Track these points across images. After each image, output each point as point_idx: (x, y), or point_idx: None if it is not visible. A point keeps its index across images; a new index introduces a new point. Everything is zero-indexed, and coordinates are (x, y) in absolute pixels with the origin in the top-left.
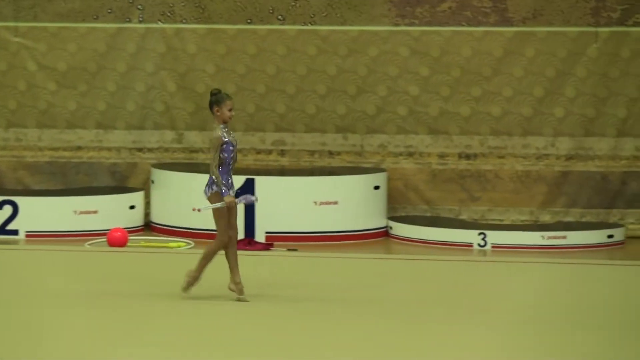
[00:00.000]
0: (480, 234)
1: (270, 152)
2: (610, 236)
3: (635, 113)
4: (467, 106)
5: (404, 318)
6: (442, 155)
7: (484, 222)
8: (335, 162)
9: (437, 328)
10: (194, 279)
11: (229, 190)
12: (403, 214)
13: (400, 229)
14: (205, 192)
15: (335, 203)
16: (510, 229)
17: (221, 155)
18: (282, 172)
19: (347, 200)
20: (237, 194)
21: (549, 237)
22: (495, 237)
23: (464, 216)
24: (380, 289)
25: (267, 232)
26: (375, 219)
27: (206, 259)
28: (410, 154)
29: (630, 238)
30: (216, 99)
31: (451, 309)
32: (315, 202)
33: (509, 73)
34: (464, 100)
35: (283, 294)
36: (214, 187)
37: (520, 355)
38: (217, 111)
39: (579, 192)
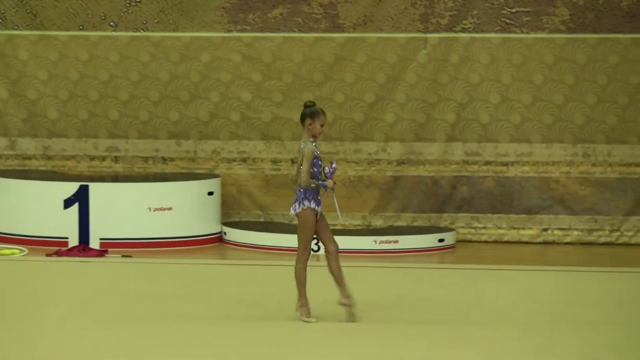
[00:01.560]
0: (313, 238)
1: (103, 158)
2: (441, 240)
3: (464, 118)
4: (299, 112)
5: (235, 321)
6: (275, 161)
7: None
8: (169, 168)
9: (265, 329)
10: (305, 306)
11: (317, 205)
12: (237, 220)
13: (234, 235)
14: (293, 209)
15: (170, 209)
16: (343, 233)
17: (311, 170)
18: (115, 178)
19: (181, 206)
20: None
21: (381, 242)
22: None
23: (297, 221)
24: (214, 294)
25: (101, 239)
26: (209, 225)
27: (300, 281)
28: (244, 160)
29: (460, 242)
30: (311, 111)
31: (278, 311)
32: (150, 208)
33: (340, 79)
34: (296, 106)
35: (117, 300)
36: (305, 203)
37: (337, 356)
38: (310, 124)
39: (410, 196)
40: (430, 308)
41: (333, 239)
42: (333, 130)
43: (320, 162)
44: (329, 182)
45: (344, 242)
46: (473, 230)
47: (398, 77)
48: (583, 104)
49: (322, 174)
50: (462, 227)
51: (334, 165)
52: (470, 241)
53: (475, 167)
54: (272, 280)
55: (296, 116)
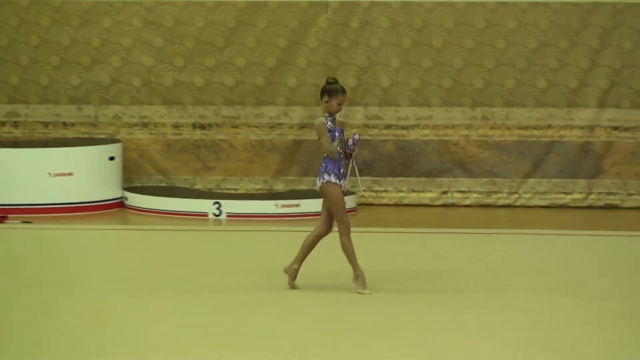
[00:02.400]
0: (215, 203)
1: (3, 124)
2: None
3: (365, 82)
4: (200, 76)
5: (139, 289)
6: (176, 126)
7: (219, 191)
8: (70, 134)
9: (167, 296)
10: (359, 277)
11: (339, 179)
12: (139, 185)
13: (136, 200)
14: (317, 183)
15: (70, 174)
16: (244, 198)
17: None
18: (15, 143)
19: (81, 172)
20: None
21: (283, 206)
22: (230, 206)
23: (199, 186)
24: (116, 260)
25: (0, 205)
26: (110, 190)
27: (349, 254)
28: (145, 125)
29: (361, 205)
30: (330, 89)
31: (185, 278)
32: (50, 174)
33: (242, 43)
34: (198, 70)
35: (16, 267)
36: (325, 177)
37: (244, 320)
38: (327, 102)
39: (311, 160)
40: (331, 272)
41: (332, 223)
42: (234, 95)
43: (337, 134)
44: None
45: (245, 206)
46: (374, 194)
47: (299, 42)
48: (482, 68)
49: (345, 146)
50: (364, 190)
51: (356, 137)
52: (371, 204)
53: (376, 130)
54: (173, 246)
55: (198, 80)
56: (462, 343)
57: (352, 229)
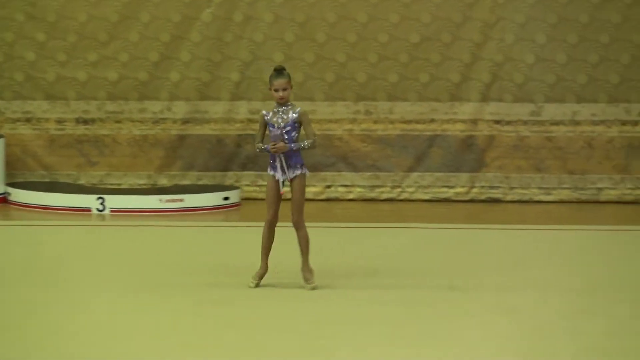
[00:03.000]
0: (98, 198)
1: None
2: (226, 198)
3: (248, 77)
4: (84, 71)
5: (22, 285)
6: (59, 121)
7: (103, 186)
8: None
9: (51, 292)
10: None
11: (274, 171)
12: (22, 180)
13: (19, 195)
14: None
15: None
16: (128, 193)
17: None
18: None
19: None
20: None
21: (167, 200)
22: (114, 201)
23: (82, 181)
24: None
25: None
26: None
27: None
28: (28, 120)
29: (245, 200)
30: (269, 77)
31: (69, 273)
32: None
33: (125, 38)
34: (81, 65)
35: None
36: (268, 169)
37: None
38: (269, 89)
39: (195, 155)
40: (214, 267)
41: (294, 211)
42: (118, 90)
43: (274, 127)
44: (271, 146)
45: (129, 201)
46: (258, 188)
47: (183, 36)
48: (365, 62)
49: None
50: (247, 185)
51: (276, 131)
52: (255, 199)
53: None
54: (56, 241)
55: (81, 75)
56: (342, 334)
57: (236, 223)
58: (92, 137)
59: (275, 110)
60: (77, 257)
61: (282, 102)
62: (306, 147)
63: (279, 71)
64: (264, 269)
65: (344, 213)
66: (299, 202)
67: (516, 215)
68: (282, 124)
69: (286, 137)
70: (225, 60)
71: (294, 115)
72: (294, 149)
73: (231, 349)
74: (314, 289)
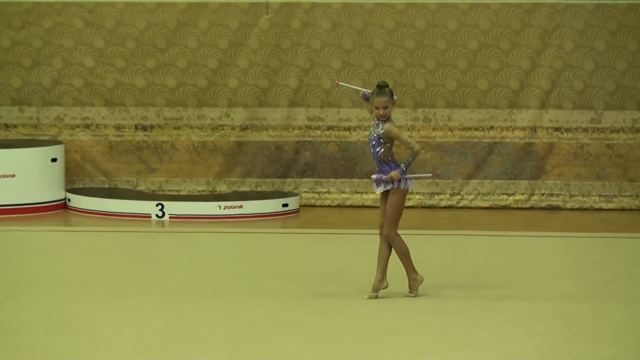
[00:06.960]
0: (158, 204)
1: None
2: (285, 205)
3: (307, 83)
4: (142, 78)
5: (86, 291)
6: (118, 127)
7: (162, 193)
8: (12, 135)
9: (113, 299)
10: (414, 280)
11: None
12: (81, 186)
13: (79, 201)
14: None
15: (13, 176)
16: (187, 199)
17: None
18: None
19: (24, 173)
20: None
21: (226, 207)
22: (173, 207)
23: (141, 187)
24: (59, 262)
25: None
26: (53, 192)
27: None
28: (87, 126)
29: (303, 207)
30: (372, 92)
31: (129, 279)
32: None
33: (183, 45)
34: (139, 72)
35: None
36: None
37: (190, 326)
38: (371, 104)
39: (253, 162)
40: (273, 274)
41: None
42: (176, 96)
43: (373, 142)
44: (388, 177)
45: (188, 208)
46: (316, 195)
47: (241, 43)
48: (423, 69)
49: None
50: (306, 192)
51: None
52: (314, 206)
53: (318, 132)
54: (116, 247)
55: (140, 82)
56: (403, 343)
57: (295, 230)
58: (151, 144)
59: (375, 122)
60: (136, 264)
61: (382, 120)
62: (412, 160)
63: (381, 88)
64: (379, 281)
65: (403, 220)
66: (388, 215)
67: (576, 223)
68: (369, 137)
69: (372, 151)
70: (283, 66)
71: (380, 131)
72: (405, 169)
73: (300, 355)
74: (407, 296)
